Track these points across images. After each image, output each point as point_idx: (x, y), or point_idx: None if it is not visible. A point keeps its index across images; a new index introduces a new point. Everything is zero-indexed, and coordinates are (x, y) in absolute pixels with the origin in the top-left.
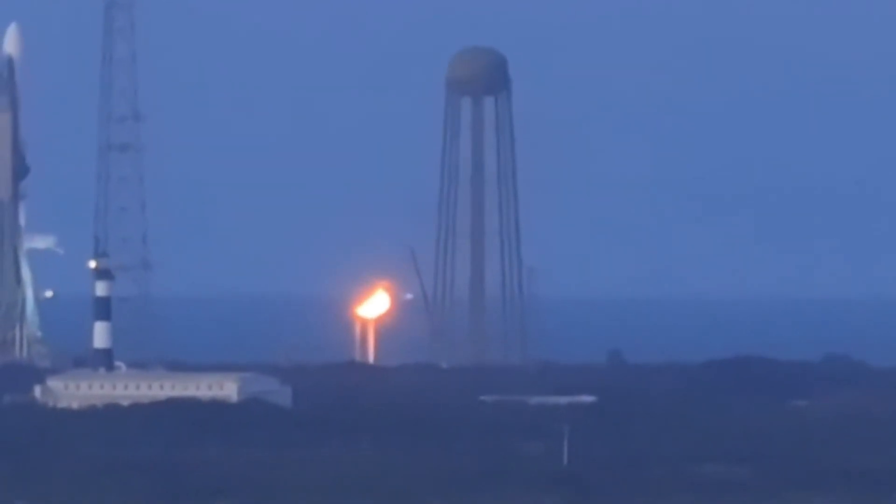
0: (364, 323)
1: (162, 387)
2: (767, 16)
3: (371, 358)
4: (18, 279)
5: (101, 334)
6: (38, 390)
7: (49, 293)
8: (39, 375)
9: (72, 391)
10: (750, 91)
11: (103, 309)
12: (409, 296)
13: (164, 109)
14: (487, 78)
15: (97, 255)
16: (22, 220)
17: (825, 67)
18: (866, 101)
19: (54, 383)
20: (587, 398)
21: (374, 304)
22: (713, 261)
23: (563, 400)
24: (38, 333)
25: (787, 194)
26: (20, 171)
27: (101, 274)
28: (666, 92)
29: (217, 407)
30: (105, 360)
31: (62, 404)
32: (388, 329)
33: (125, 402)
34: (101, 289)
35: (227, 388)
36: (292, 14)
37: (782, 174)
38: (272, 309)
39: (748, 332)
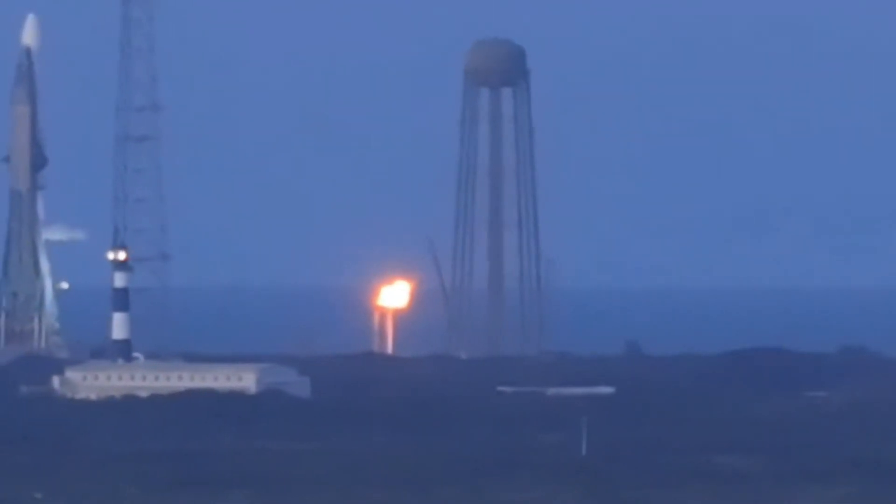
0: (383, 313)
1: (180, 378)
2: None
3: (389, 348)
4: (37, 270)
5: (119, 325)
6: (56, 381)
7: (65, 285)
8: (58, 366)
9: (90, 382)
10: (772, 82)
11: (122, 300)
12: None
13: (182, 100)
14: (505, 69)
15: (116, 247)
16: (40, 212)
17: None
18: None
19: (73, 374)
20: (606, 389)
21: (393, 295)
22: (731, 251)
23: (581, 391)
24: (56, 325)
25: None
26: (39, 162)
27: (120, 265)
28: (686, 82)
29: (235, 398)
30: (123, 351)
31: (80, 395)
32: (406, 320)
33: (143, 394)
34: (119, 280)
35: (245, 380)
36: (311, 4)
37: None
38: (292, 300)
39: (766, 322)
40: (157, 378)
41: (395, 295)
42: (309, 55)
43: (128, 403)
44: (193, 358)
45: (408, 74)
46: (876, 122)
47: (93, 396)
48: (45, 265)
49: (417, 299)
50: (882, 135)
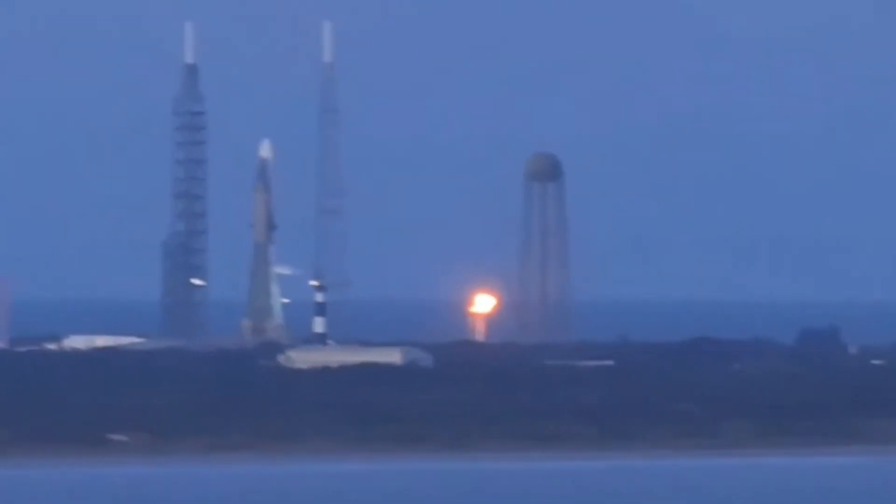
0: (476, 316)
1: (356, 355)
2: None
3: (480, 338)
4: (270, 292)
5: (319, 324)
6: (281, 357)
7: (287, 300)
8: (282, 348)
9: (302, 357)
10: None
11: (320, 309)
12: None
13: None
14: (549, 171)
15: (316, 277)
16: (272, 256)
17: None
18: None
19: (292, 353)
20: (608, 362)
21: (482, 304)
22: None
23: (595, 363)
24: (281, 323)
25: None
26: (271, 226)
27: (318, 288)
28: (692, 174)
29: (389, 367)
30: (322, 339)
31: (296, 367)
32: (491, 320)
33: (335, 365)
34: (319, 297)
35: (395, 356)
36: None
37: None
38: (418, 308)
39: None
40: (343, 355)
41: (483, 303)
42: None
43: (326, 371)
44: (364, 343)
45: (489, 166)
46: None
47: (304, 367)
48: (275, 289)
49: (499, 307)
50: None
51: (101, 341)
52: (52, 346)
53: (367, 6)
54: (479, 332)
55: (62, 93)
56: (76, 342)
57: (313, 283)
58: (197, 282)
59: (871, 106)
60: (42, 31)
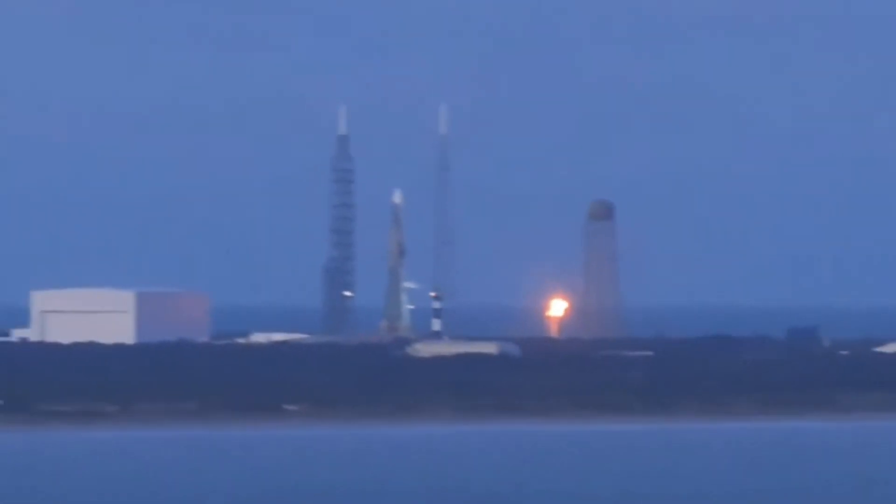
0: (551, 318)
1: (465, 346)
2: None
3: (554, 334)
4: (400, 301)
5: (436, 324)
6: (409, 349)
7: (412, 306)
8: (409, 342)
9: (424, 349)
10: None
11: (437, 313)
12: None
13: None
14: (605, 212)
15: (434, 290)
16: (403, 276)
17: None
18: None
19: (417, 346)
20: (648, 352)
21: (556, 309)
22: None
23: (639, 353)
24: (408, 323)
25: None
26: (402, 252)
27: (435, 298)
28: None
29: (486, 356)
30: (438, 336)
31: (420, 355)
32: (563, 321)
33: (448, 354)
34: (436, 304)
35: (492, 348)
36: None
37: None
38: (509, 312)
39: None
40: (454, 347)
41: (557, 308)
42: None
43: (441, 359)
44: (469, 338)
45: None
46: None
47: (426, 356)
48: (404, 298)
49: (568, 311)
50: None
51: (278, 337)
52: (241, 341)
53: (472, 91)
54: (554, 331)
55: (252, 156)
56: (259, 338)
57: (432, 294)
58: (347, 293)
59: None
60: (229, 105)
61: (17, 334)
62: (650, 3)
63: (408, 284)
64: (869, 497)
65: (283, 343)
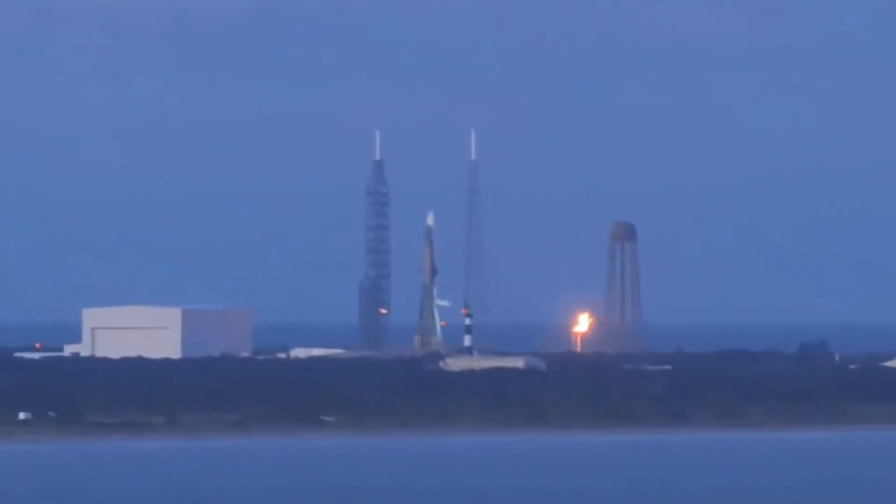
0: (576, 334)
1: (494, 361)
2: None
3: (578, 349)
4: (433, 317)
5: (467, 340)
6: (441, 363)
7: (444, 323)
8: (441, 357)
9: (456, 363)
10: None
11: (468, 329)
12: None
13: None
14: (626, 234)
15: (465, 307)
16: (434, 292)
17: None
18: None
19: (449, 359)
20: (667, 366)
21: (581, 325)
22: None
23: (658, 367)
24: (441, 340)
25: None
26: (434, 271)
27: (466, 315)
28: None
29: (514, 370)
30: (469, 350)
31: (451, 369)
32: (587, 336)
33: (478, 368)
34: (467, 321)
35: (519, 362)
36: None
37: None
38: (536, 328)
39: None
40: (484, 361)
41: (581, 324)
42: None
43: (472, 372)
44: (498, 353)
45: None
46: None
47: (457, 369)
48: (436, 315)
49: (592, 327)
50: None
51: (317, 352)
52: (282, 355)
53: (501, 117)
54: (579, 346)
55: (294, 180)
56: (299, 352)
57: (463, 311)
58: (382, 310)
59: None
60: (272, 130)
61: (68, 350)
62: (677, 32)
63: (440, 302)
64: (875, 502)
65: (322, 357)
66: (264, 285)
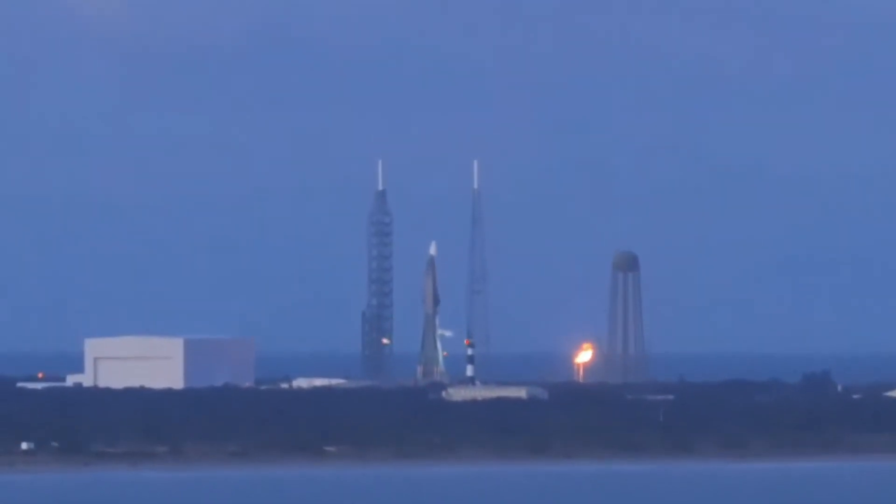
0: (578, 365)
1: (496, 391)
2: None
3: (580, 379)
4: (435, 347)
5: (469, 370)
6: (443, 393)
7: (446, 353)
8: (444, 387)
9: (458, 393)
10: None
11: (470, 359)
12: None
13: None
14: (629, 263)
15: (468, 337)
16: (437, 322)
17: None
18: None
19: (451, 390)
20: (669, 396)
21: (583, 355)
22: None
23: (661, 397)
24: (443, 370)
25: None
26: (436, 301)
27: (468, 346)
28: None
29: (516, 400)
30: (471, 381)
31: (454, 399)
32: (589, 366)
33: (480, 398)
34: (469, 351)
35: (521, 392)
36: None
37: None
38: (538, 358)
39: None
40: (486, 391)
41: (583, 355)
42: None
43: (474, 402)
44: (501, 383)
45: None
46: None
47: (459, 400)
48: (439, 345)
49: (594, 357)
50: None
51: (319, 381)
52: (284, 385)
53: (503, 147)
54: (581, 375)
55: (296, 209)
56: (301, 382)
57: (466, 341)
58: (385, 340)
59: None
60: (274, 160)
61: (71, 380)
62: (675, 64)
63: (442, 332)
64: None
65: (324, 387)
66: (266, 315)
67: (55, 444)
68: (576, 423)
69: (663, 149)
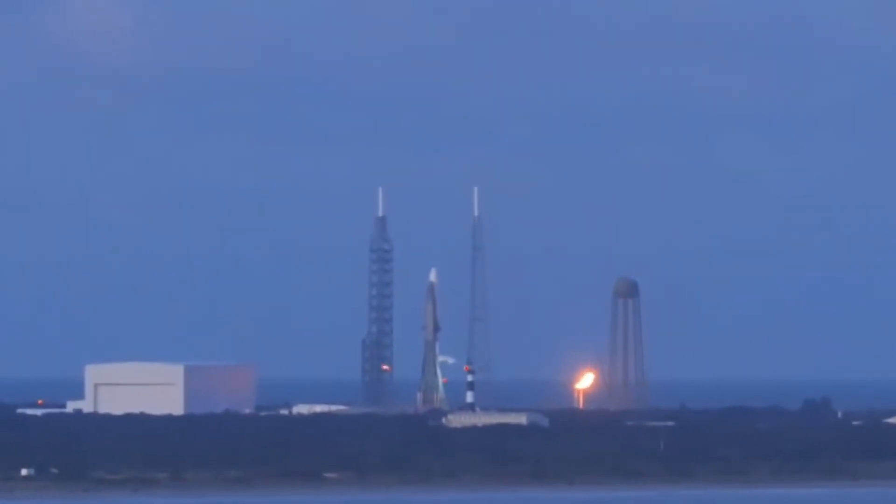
0: (579, 391)
1: (497, 417)
2: None
3: (581, 405)
4: (435, 374)
5: (469, 396)
6: (444, 419)
7: (446, 380)
8: (444, 413)
9: (458, 419)
10: None
11: (470, 386)
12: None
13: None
14: (629, 290)
15: (468, 363)
16: (437, 349)
17: None
18: None
19: (451, 416)
20: (670, 423)
21: (584, 381)
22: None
23: (661, 423)
24: (444, 396)
25: None
26: (437, 328)
27: (469, 372)
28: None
29: (518, 426)
30: (471, 407)
31: (454, 425)
32: (589, 393)
33: (481, 424)
34: (469, 378)
35: (522, 418)
36: None
37: None
38: (539, 385)
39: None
40: (486, 418)
41: (584, 381)
42: None
43: (474, 429)
44: (501, 409)
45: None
46: None
47: (459, 426)
48: (438, 372)
49: (595, 384)
50: None
51: (319, 408)
52: (284, 412)
53: (501, 176)
54: (581, 402)
55: (297, 237)
56: (301, 408)
57: (466, 367)
58: (385, 367)
59: None
60: (273, 190)
61: (71, 406)
62: (682, 92)
63: (444, 359)
64: None
65: (325, 414)
66: (267, 342)
67: (55, 470)
68: (576, 450)
69: (662, 177)
